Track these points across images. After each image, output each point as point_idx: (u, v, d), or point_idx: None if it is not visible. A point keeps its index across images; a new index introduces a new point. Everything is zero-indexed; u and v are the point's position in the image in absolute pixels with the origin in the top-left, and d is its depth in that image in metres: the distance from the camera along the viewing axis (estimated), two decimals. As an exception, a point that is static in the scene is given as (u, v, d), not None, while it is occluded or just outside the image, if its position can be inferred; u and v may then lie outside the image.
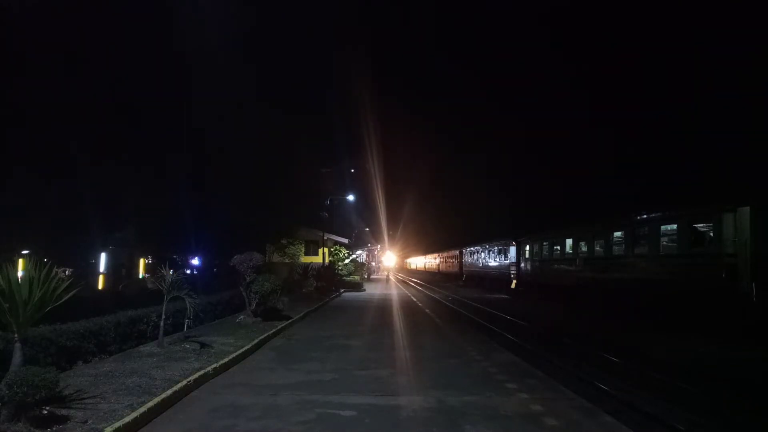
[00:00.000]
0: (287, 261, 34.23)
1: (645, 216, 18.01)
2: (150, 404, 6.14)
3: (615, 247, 20.00)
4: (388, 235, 74.05)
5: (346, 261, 37.17)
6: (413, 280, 60.80)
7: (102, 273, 29.79)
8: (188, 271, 25.20)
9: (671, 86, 49.04)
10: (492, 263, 38.77)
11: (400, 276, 65.21)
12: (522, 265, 31.49)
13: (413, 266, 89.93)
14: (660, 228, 17.05)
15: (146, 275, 30.28)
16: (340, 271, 35.14)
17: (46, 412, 5.52)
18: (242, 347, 10.21)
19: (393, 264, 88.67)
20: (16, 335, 5.91)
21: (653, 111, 47.01)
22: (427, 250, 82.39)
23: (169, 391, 6.76)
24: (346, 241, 43.58)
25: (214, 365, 8.49)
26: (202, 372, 7.95)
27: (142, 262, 34.92)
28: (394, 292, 33.97)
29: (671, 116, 44.75)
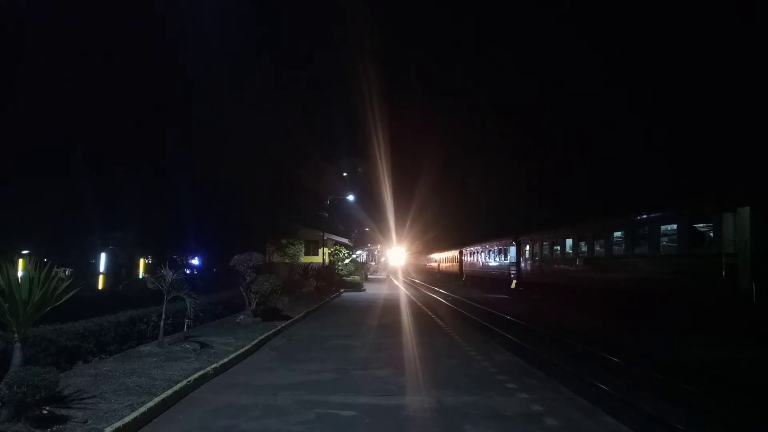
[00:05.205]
0: (287, 261, 34.18)
1: (645, 216, 18.02)
2: (150, 404, 6.15)
3: (615, 247, 20.01)
4: (396, 231, 71.29)
5: (346, 261, 37.18)
6: (415, 281, 60.77)
7: (102, 273, 29.74)
8: (188, 271, 25.14)
9: (670, 85, 49.03)
10: (492, 263, 38.77)
11: (404, 279, 63.02)
12: (522, 264, 31.49)
13: (427, 265, 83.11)
14: (660, 228, 17.06)
15: (146, 275, 30.24)
16: (340, 271, 35.16)
17: (46, 412, 5.52)
18: (242, 347, 10.21)
19: (403, 263, 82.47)
20: (16, 335, 5.91)
21: (652, 110, 46.95)
22: (425, 251, 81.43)
23: (169, 391, 6.76)
24: (346, 240, 43.56)
25: (214, 365, 8.49)
26: (202, 372, 7.95)
27: (142, 262, 34.87)
28: (394, 292, 33.99)
29: (670, 116, 44.71)
